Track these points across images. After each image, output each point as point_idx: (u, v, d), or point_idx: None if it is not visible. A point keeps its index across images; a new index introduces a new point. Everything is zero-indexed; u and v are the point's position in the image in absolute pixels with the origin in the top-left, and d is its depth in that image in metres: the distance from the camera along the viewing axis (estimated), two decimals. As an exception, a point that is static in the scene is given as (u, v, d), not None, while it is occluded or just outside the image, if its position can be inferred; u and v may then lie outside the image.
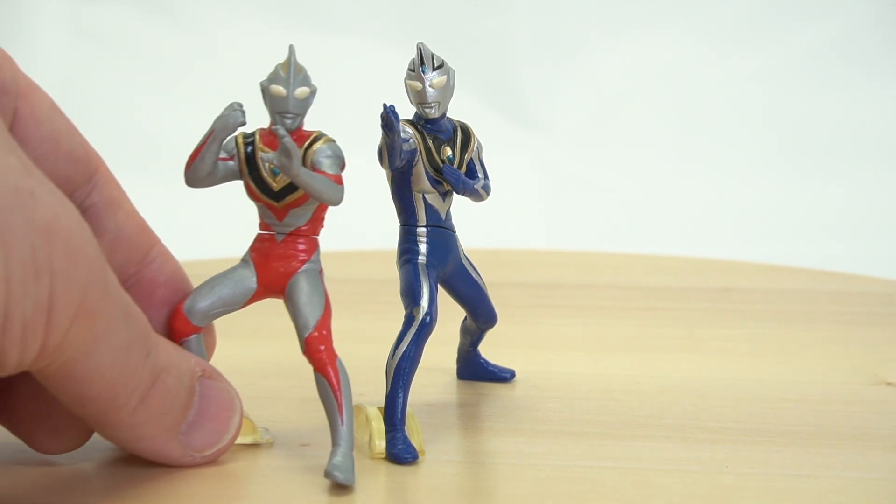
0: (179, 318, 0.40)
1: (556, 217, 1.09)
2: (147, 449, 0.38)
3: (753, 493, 0.38)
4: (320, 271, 0.41)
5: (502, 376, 0.51)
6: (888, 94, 1.15)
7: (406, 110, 0.42)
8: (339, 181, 0.39)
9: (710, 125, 1.17)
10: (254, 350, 0.55)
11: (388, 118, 0.40)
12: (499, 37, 1.18)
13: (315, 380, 0.39)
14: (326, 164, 0.39)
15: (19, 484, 0.39)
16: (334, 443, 0.39)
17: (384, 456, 0.40)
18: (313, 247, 0.41)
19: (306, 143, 0.39)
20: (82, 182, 0.40)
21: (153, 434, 0.38)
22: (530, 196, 1.11)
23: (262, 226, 0.41)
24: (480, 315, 0.48)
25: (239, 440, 0.41)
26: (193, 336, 0.40)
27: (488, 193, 0.44)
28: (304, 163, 0.39)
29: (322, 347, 0.39)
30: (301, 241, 0.41)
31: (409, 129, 0.43)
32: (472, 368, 0.51)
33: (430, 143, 0.43)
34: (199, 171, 0.40)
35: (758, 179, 1.12)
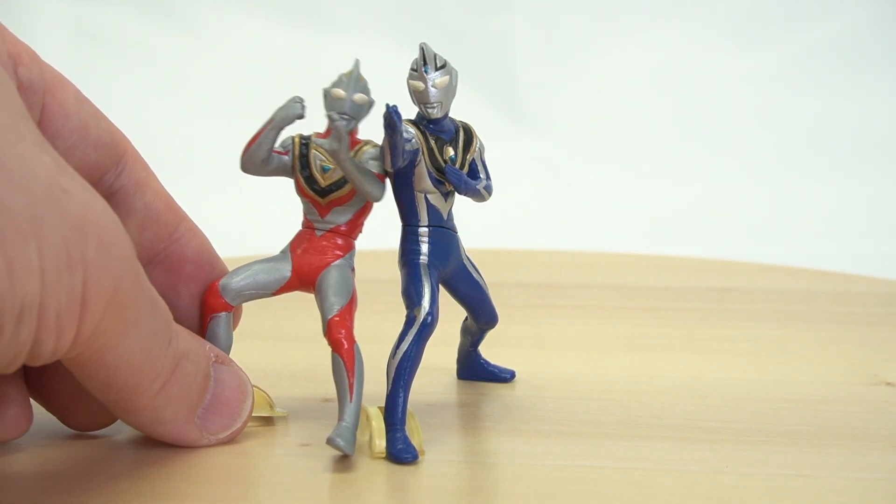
0: (213, 294, 0.42)
1: (556, 217, 1.09)
2: (165, 432, 0.40)
3: (753, 493, 0.38)
4: (352, 269, 0.43)
5: (502, 377, 0.51)
6: (888, 94, 1.15)
7: (408, 110, 0.42)
8: (381, 179, 0.42)
9: (710, 125, 1.17)
10: (253, 351, 0.55)
11: (391, 118, 0.40)
12: (500, 37, 1.18)
13: (331, 360, 0.41)
14: (373, 165, 0.42)
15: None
16: (341, 417, 0.40)
17: (384, 456, 0.40)
18: (349, 246, 0.43)
19: (357, 147, 0.43)
20: (111, 166, 0.41)
21: (172, 418, 0.39)
22: (530, 196, 1.11)
23: (305, 223, 0.44)
24: (481, 315, 0.48)
25: (257, 413, 0.43)
26: (224, 313, 0.42)
27: (490, 194, 0.45)
28: None
29: (342, 331, 0.41)
30: (339, 238, 0.43)
31: (412, 129, 0.43)
32: (473, 368, 0.51)
33: (432, 143, 0.43)
34: (256, 157, 0.42)
35: (758, 180, 1.12)
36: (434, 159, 0.43)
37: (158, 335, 0.37)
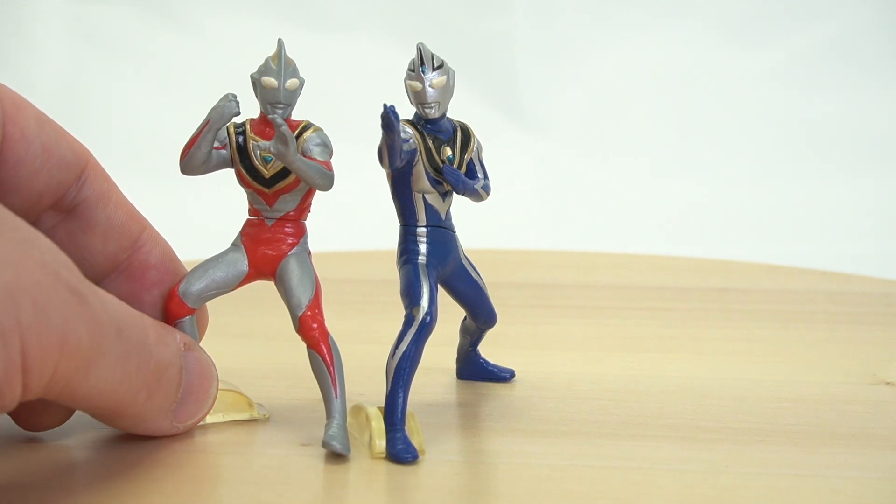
0: (175, 301, 0.42)
1: (556, 217, 1.09)
2: (141, 428, 0.40)
3: (753, 493, 0.38)
4: (308, 253, 0.43)
5: (502, 376, 0.51)
6: (888, 94, 1.15)
7: (406, 110, 0.42)
8: (329, 168, 0.41)
9: (710, 125, 1.17)
10: (253, 350, 0.55)
11: (388, 118, 0.40)
12: (499, 37, 1.18)
13: (308, 356, 0.41)
14: (317, 152, 0.41)
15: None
16: (329, 415, 0.41)
17: (384, 456, 0.40)
18: (301, 231, 0.43)
19: (296, 132, 0.42)
20: (73, 181, 0.41)
21: (153, 417, 0.39)
22: (530, 196, 1.11)
23: (252, 211, 0.43)
24: (480, 315, 0.48)
25: (236, 417, 0.43)
26: (188, 318, 0.42)
27: (488, 193, 0.44)
28: None
29: (315, 325, 0.41)
30: (290, 225, 0.43)
31: (409, 129, 0.43)
32: (472, 368, 0.51)
33: (430, 143, 0.43)
34: (195, 160, 0.42)
35: (757, 180, 1.12)
36: (432, 159, 0.43)
37: (132, 356, 0.36)
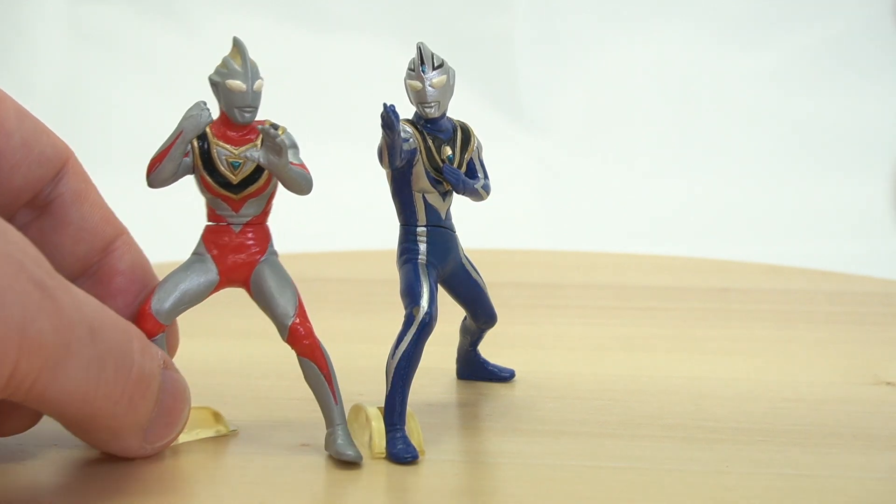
0: (149, 320, 0.40)
1: (556, 217, 1.09)
2: (114, 445, 0.39)
3: (753, 493, 0.38)
4: (277, 255, 0.42)
5: (502, 376, 0.51)
6: (888, 94, 1.15)
7: (406, 110, 0.42)
8: (308, 171, 0.40)
9: (710, 125, 1.17)
10: (252, 350, 0.55)
11: (388, 117, 0.40)
12: (499, 36, 1.18)
13: (300, 365, 0.40)
14: (292, 155, 0.39)
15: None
16: (331, 423, 0.40)
17: (384, 456, 0.40)
18: (267, 234, 0.42)
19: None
20: (52, 177, 0.41)
21: (127, 433, 0.38)
22: (530, 196, 1.11)
23: (215, 217, 0.41)
24: (480, 315, 0.48)
25: (202, 435, 0.42)
26: (160, 335, 0.40)
27: (488, 193, 0.44)
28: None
29: (306, 333, 0.40)
30: (256, 229, 0.41)
31: (409, 129, 0.43)
32: (472, 368, 0.51)
33: (430, 142, 0.43)
34: (165, 173, 0.40)
35: (757, 179, 1.12)
36: (432, 159, 0.43)
37: (108, 361, 0.35)
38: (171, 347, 0.43)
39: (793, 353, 0.57)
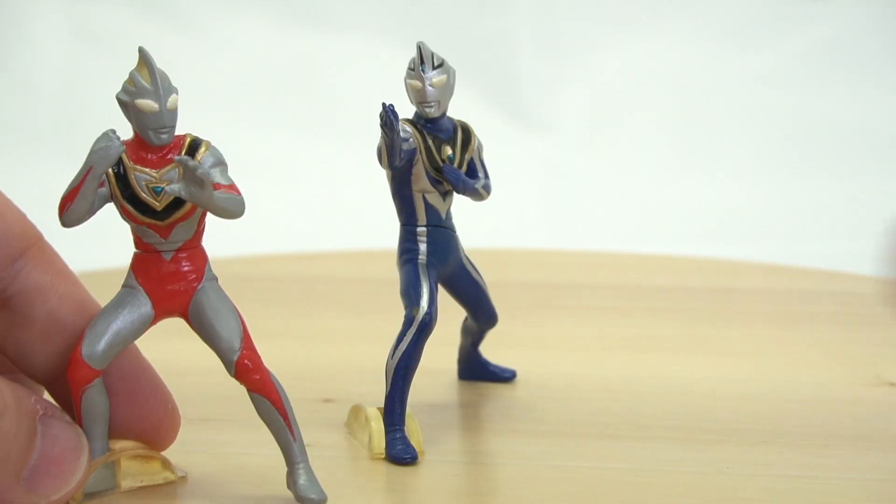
0: (81, 367, 0.36)
1: (557, 217, 1.09)
2: None
3: (755, 494, 0.38)
4: (216, 279, 0.38)
5: (503, 376, 0.51)
6: (889, 94, 1.15)
7: (406, 109, 0.42)
8: (238, 192, 0.36)
9: (712, 125, 1.17)
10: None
11: (388, 117, 0.40)
12: (499, 36, 1.18)
13: (252, 401, 0.37)
14: (218, 175, 0.36)
15: None
16: (291, 461, 0.37)
17: (384, 456, 0.40)
18: (203, 257, 0.38)
19: (184, 151, 0.36)
20: (7, 264, 0.37)
21: (3, 483, 0.34)
22: (531, 196, 1.11)
23: (143, 245, 0.37)
24: (481, 315, 0.48)
25: (151, 482, 0.39)
26: (97, 380, 0.36)
27: (489, 193, 0.44)
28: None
29: (251, 365, 0.37)
30: (191, 254, 0.37)
31: (409, 129, 0.42)
32: (473, 368, 0.51)
33: (430, 142, 0.43)
34: (79, 212, 0.36)
35: (759, 179, 1.11)
36: (432, 158, 0.43)
37: None
38: (172, 428, 0.40)
39: (795, 353, 0.57)
